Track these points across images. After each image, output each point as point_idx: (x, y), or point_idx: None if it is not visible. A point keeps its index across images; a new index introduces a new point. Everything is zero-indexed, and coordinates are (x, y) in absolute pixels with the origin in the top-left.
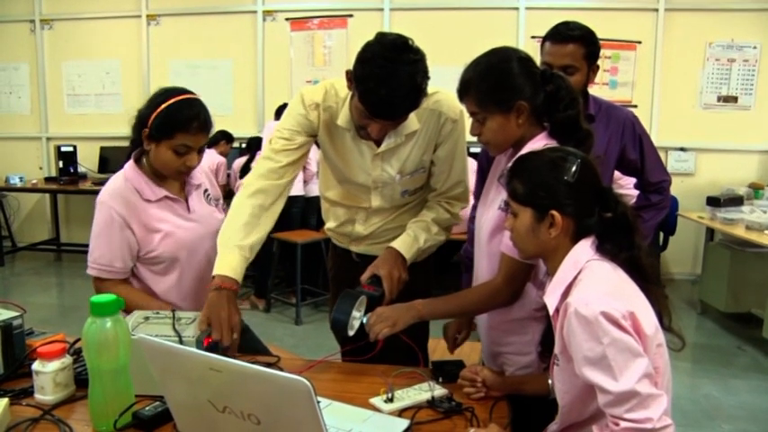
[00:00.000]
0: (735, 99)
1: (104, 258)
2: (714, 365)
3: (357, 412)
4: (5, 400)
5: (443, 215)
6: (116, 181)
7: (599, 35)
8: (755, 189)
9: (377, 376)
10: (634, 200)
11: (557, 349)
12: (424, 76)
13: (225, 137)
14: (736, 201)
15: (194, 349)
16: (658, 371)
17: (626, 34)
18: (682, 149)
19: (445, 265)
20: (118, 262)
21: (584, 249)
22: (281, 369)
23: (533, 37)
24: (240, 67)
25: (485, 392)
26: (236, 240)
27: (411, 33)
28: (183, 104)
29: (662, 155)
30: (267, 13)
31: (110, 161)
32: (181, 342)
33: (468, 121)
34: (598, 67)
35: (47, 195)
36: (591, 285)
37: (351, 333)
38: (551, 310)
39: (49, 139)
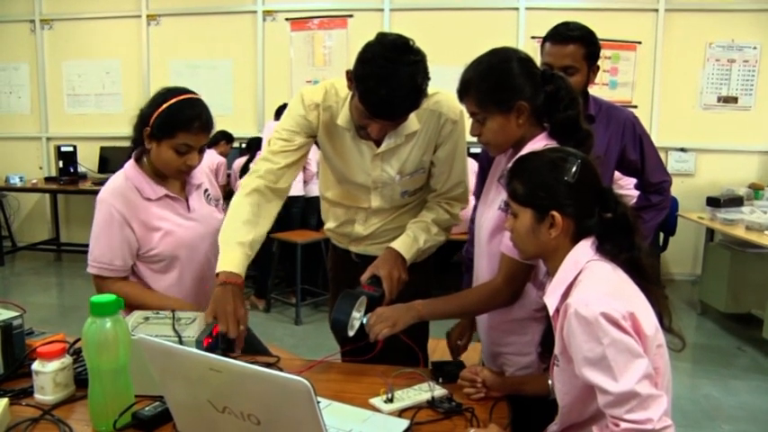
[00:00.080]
0: (735, 99)
1: (104, 256)
2: (714, 366)
3: (357, 412)
4: (5, 400)
5: (443, 216)
6: (116, 179)
7: (599, 35)
8: (755, 189)
9: (377, 376)
10: (634, 200)
11: (557, 350)
12: (425, 76)
13: (225, 137)
14: (736, 201)
15: (194, 349)
16: (658, 371)
17: (626, 35)
18: (682, 150)
19: (445, 265)
20: (118, 260)
21: (585, 250)
22: (281, 369)
23: (533, 37)
24: (240, 67)
25: (485, 393)
26: (237, 238)
27: (411, 34)
28: (184, 104)
29: (662, 155)
30: (267, 13)
31: (110, 161)
32: (181, 342)
33: (468, 122)
34: (598, 67)
35: (47, 195)
36: (591, 286)
37: (351, 333)
38: (551, 311)
39: (49, 138)
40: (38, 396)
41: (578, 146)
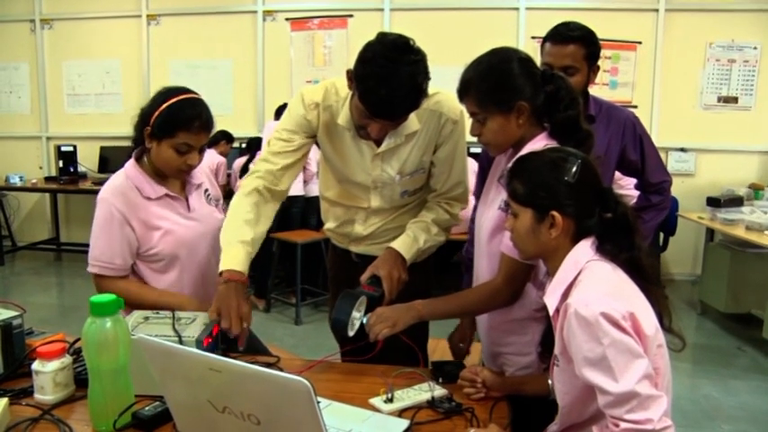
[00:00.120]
0: (735, 99)
1: (104, 255)
2: (714, 366)
3: (357, 412)
4: (5, 400)
5: (443, 216)
6: (117, 179)
7: (599, 35)
8: (755, 190)
9: (377, 376)
10: (634, 200)
11: (557, 350)
12: (425, 76)
13: (225, 137)
14: (736, 201)
15: (194, 349)
16: (658, 371)
17: (626, 35)
18: (682, 150)
19: (445, 265)
20: (118, 259)
21: (585, 250)
22: (281, 369)
23: (533, 37)
24: (240, 67)
25: (485, 393)
26: (238, 237)
27: (411, 33)
28: (185, 103)
29: (662, 155)
30: (267, 13)
31: (110, 161)
32: (181, 342)
33: (468, 122)
34: (598, 67)
35: (47, 195)
36: (591, 286)
37: (351, 333)
38: (551, 311)
39: (49, 138)
40: (38, 396)
41: (578, 146)
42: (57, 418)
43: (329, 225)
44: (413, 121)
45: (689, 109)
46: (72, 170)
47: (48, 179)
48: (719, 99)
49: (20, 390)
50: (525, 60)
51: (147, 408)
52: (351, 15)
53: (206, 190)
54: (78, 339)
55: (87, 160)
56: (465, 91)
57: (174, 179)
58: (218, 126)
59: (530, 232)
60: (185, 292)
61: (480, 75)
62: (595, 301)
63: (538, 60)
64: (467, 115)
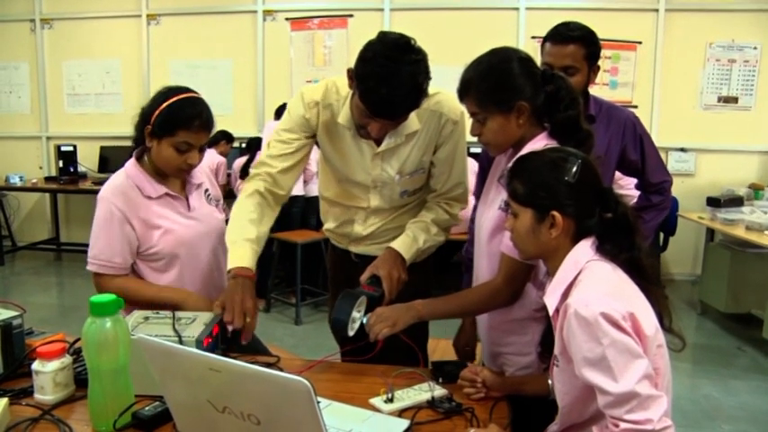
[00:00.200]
0: (735, 100)
1: (104, 254)
2: (714, 366)
3: (357, 412)
4: (5, 400)
5: (443, 216)
6: (117, 178)
7: (599, 35)
8: (755, 190)
9: (377, 376)
10: (635, 200)
11: (556, 350)
12: (426, 76)
13: (225, 137)
14: (736, 201)
15: (194, 349)
16: (659, 371)
17: (626, 34)
18: (682, 150)
19: (445, 265)
20: (117, 257)
21: (584, 250)
22: (281, 369)
23: (533, 37)
24: (240, 67)
25: (485, 393)
26: (244, 235)
27: (411, 33)
28: (185, 102)
29: (662, 155)
30: (267, 12)
31: (110, 161)
32: (181, 342)
33: (468, 122)
34: (599, 67)
35: (47, 195)
36: (591, 286)
37: (351, 333)
38: (551, 311)
39: (49, 138)
40: (38, 396)
41: (579, 146)
42: (57, 418)
43: (329, 225)
44: (413, 121)
45: (689, 109)
46: (72, 170)
47: (48, 179)
48: (720, 99)
49: (20, 390)
50: (525, 60)
51: (147, 408)
52: (351, 15)
53: (206, 190)
54: (78, 339)
55: (87, 160)
56: (465, 91)
57: (175, 178)
58: (218, 126)
59: (530, 232)
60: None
61: (480, 75)
62: (595, 301)
63: (538, 60)
64: (467, 115)
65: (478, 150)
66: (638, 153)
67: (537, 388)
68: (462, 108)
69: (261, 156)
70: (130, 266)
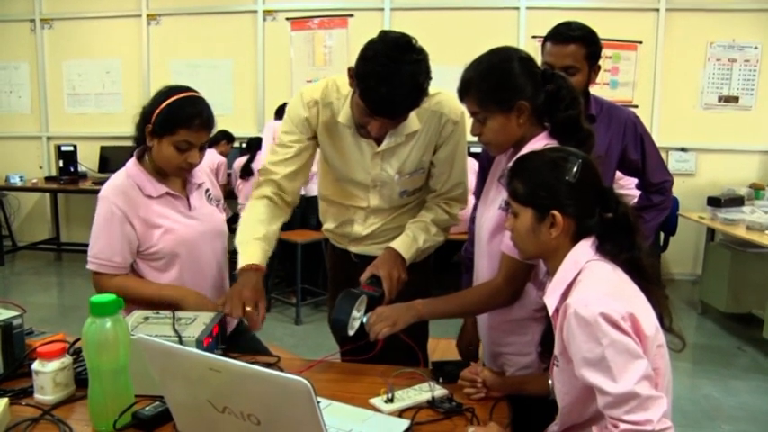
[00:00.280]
0: (736, 99)
1: (104, 253)
2: (714, 366)
3: (357, 412)
4: (5, 400)
5: (442, 216)
6: (118, 177)
7: (600, 35)
8: (756, 189)
9: (377, 376)
10: (635, 200)
11: (556, 350)
12: (427, 75)
13: (225, 137)
14: (736, 201)
15: (194, 349)
16: (659, 371)
17: (627, 34)
18: (682, 150)
19: (445, 265)
20: (117, 257)
21: (584, 250)
22: (281, 369)
23: (534, 37)
24: (240, 67)
25: (485, 393)
26: (252, 235)
27: (411, 33)
28: (185, 101)
29: (663, 155)
30: (267, 12)
31: (110, 161)
32: (181, 342)
33: (468, 123)
34: (599, 67)
35: (47, 195)
36: (590, 286)
37: (351, 333)
38: (551, 311)
39: (49, 138)
40: (38, 396)
41: (579, 146)
42: (57, 418)
43: (328, 225)
44: (413, 121)
45: (689, 109)
46: (72, 170)
47: (48, 179)
48: (720, 99)
49: (20, 390)
50: (526, 60)
51: (147, 408)
52: (351, 15)
53: (207, 190)
54: (78, 339)
55: (87, 160)
56: (465, 91)
57: (175, 178)
58: (219, 126)
59: (530, 232)
60: None
61: (481, 74)
62: (595, 301)
63: (539, 60)
64: (467, 116)
65: (479, 150)
66: (639, 153)
67: (537, 388)
68: (463, 108)
69: (265, 161)
70: (130, 266)
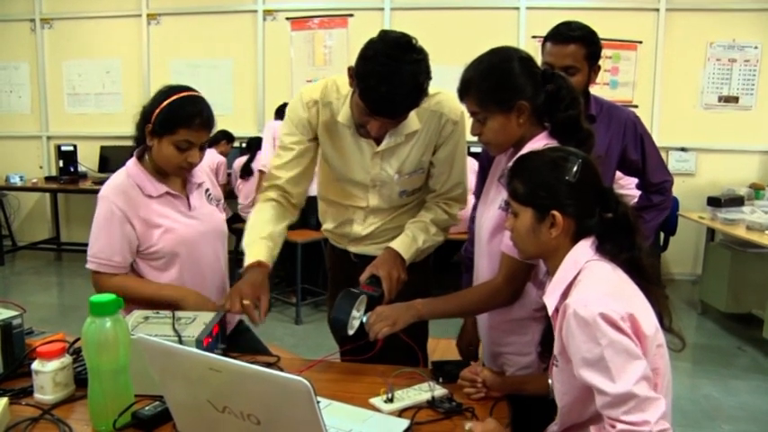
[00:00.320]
0: (736, 99)
1: (104, 252)
2: (714, 366)
3: (357, 412)
4: (5, 400)
5: (442, 216)
6: (118, 177)
7: (600, 35)
8: (756, 189)
9: (377, 376)
10: (635, 200)
11: (556, 350)
12: (427, 75)
13: (225, 136)
14: (736, 201)
15: (194, 349)
16: (658, 371)
17: (627, 34)
18: (682, 150)
19: (445, 264)
20: (117, 256)
21: (584, 250)
22: (281, 369)
23: (534, 37)
24: (240, 67)
25: (485, 393)
26: (258, 234)
27: (412, 33)
28: (186, 101)
29: (663, 155)
30: (267, 12)
31: (110, 160)
32: (180, 342)
33: (468, 123)
34: (599, 67)
35: (47, 194)
36: (590, 286)
37: (351, 332)
38: (550, 311)
39: (49, 138)
40: (37, 396)
41: (579, 145)
42: (56, 417)
43: (327, 226)
44: (413, 121)
45: (689, 108)
46: (72, 170)
47: (48, 179)
48: (720, 99)
49: (20, 389)
50: (526, 60)
51: (146, 407)
52: (351, 15)
53: (207, 189)
54: (78, 339)
55: (87, 160)
56: (465, 90)
57: (176, 177)
58: (219, 126)
59: (530, 232)
60: None
61: (481, 74)
62: (594, 301)
63: (539, 60)
64: (467, 116)
65: (479, 150)
66: (639, 153)
67: (537, 388)
68: (462, 108)
69: (269, 165)
70: (130, 265)
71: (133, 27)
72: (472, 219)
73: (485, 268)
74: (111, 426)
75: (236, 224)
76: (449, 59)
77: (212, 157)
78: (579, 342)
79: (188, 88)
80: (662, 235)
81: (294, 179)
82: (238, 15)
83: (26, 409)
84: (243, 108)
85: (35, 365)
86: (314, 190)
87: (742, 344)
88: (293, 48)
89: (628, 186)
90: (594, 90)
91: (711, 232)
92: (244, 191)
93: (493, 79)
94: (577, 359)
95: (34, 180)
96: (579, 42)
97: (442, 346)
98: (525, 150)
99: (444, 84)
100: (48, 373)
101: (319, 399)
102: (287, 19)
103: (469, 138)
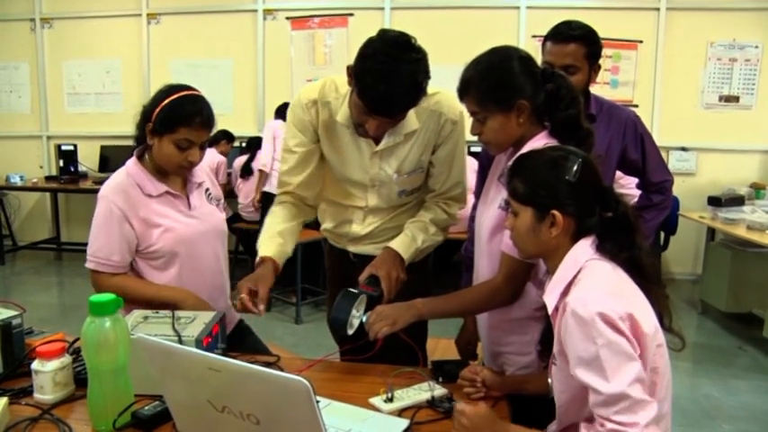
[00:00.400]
0: (736, 99)
1: (102, 252)
2: (715, 365)
3: (357, 412)
4: (5, 400)
5: (441, 216)
6: (118, 176)
7: (600, 34)
8: (757, 189)
9: (377, 376)
10: (635, 200)
11: (555, 349)
12: (425, 75)
13: (225, 136)
14: (737, 201)
15: (193, 349)
16: (658, 371)
17: (627, 33)
18: (683, 149)
19: (445, 264)
20: (116, 255)
21: (584, 249)
22: (281, 368)
23: (534, 36)
24: (240, 67)
25: (485, 392)
26: (268, 234)
27: (412, 32)
28: (186, 100)
29: (663, 155)
30: (267, 11)
31: (110, 160)
32: (180, 341)
33: (468, 122)
34: (599, 66)
35: (47, 194)
36: (590, 285)
37: (350, 332)
38: (550, 309)
39: (49, 137)
40: (37, 395)
41: (579, 145)
42: (56, 417)
43: (326, 225)
44: (412, 121)
45: (690, 108)
46: (72, 169)
47: (48, 178)
48: (721, 98)
49: (19, 389)
50: (525, 59)
51: (146, 407)
52: (351, 14)
53: (207, 189)
54: (78, 339)
55: (88, 159)
56: (465, 90)
57: (176, 176)
58: (219, 125)
59: (530, 231)
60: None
61: (480, 74)
62: (594, 300)
63: (539, 60)
64: (467, 115)
65: (479, 149)
66: (639, 152)
67: (537, 387)
68: (462, 108)
69: (279, 171)
70: (129, 265)
71: (133, 27)
72: (472, 218)
73: (485, 268)
74: (111, 425)
75: (236, 224)
76: (449, 59)
77: (212, 156)
78: (576, 340)
79: (188, 87)
80: (662, 234)
81: (304, 183)
82: (238, 15)
83: (26, 409)
84: (243, 108)
85: (35, 365)
86: None
87: (742, 343)
88: (293, 47)
89: (628, 186)
90: (595, 89)
91: (712, 232)
92: (244, 190)
93: (492, 79)
94: (573, 358)
95: (34, 180)
96: (579, 41)
97: (441, 346)
98: (525, 150)
99: (445, 83)
100: (47, 373)
101: (319, 398)
102: (287, 18)
103: (469, 137)
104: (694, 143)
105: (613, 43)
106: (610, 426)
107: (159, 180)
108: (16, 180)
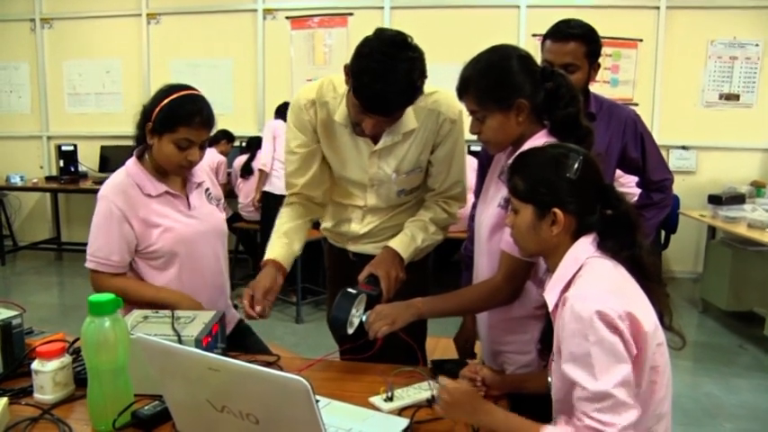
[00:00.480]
0: (737, 97)
1: (102, 252)
2: (715, 364)
3: (356, 411)
4: (5, 400)
5: (441, 215)
6: (118, 176)
7: (600, 33)
8: (757, 187)
9: (376, 375)
10: (635, 198)
11: (555, 346)
12: (422, 74)
13: (225, 136)
14: (737, 199)
15: (193, 349)
16: (658, 369)
17: (627, 32)
18: (683, 148)
19: (445, 263)
20: (115, 255)
21: (585, 246)
22: (281, 368)
23: (534, 35)
24: (240, 66)
25: (485, 391)
26: (275, 235)
27: (411, 31)
28: (186, 99)
29: (663, 153)
30: (267, 11)
31: (110, 160)
32: (180, 341)
33: (467, 121)
34: (599, 65)
35: (47, 194)
36: (591, 282)
37: (350, 331)
38: (551, 307)
39: (49, 138)
40: (37, 395)
41: (578, 143)
42: (56, 417)
43: (326, 224)
44: (410, 120)
45: (690, 106)
46: (73, 170)
47: (48, 179)
48: (721, 96)
49: (19, 389)
50: (525, 58)
51: (146, 407)
52: (351, 14)
53: (207, 189)
54: (78, 339)
55: (88, 160)
56: (464, 89)
57: (176, 176)
58: (219, 125)
59: (530, 229)
60: (184, 289)
61: (479, 72)
62: (593, 298)
63: (539, 59)
64: (466, 114)
65: (479, 148)
66: (639, 151)
67: (537, 386)
68: (461, 107)
69: (285, 172)
70: (128, 265)
71: (133, 27)
72: (472, 217)
73: (484, 267)
74: (111, 425)
75: (236, 224)
76: (449, 58)
77: (212, 156)
78: (570, 335)
79: (188, 87)
80: (663, 233)
81: (309, 183)
82: (238, 15)
83: (26, 409)
84: (243, 107)
85: (35, 365)
86: None
87: (743, 342)
88: (293, 47)
89: (628, 184)
90: (595, 88)
91: (712, 230)
92: (244, 190)
93: (492, 77)
94: (565, 353)
95: (35, 180)
96: (579, 40)
97: (441, 345)
98: (525, 148)
99: (444, 82)
100: (47, 373)
101: (319, 398)
102: (287, 18)
103: (469, 136)
104: (695, 141)
105: (613, 42)
106: (588, 422)
107: (159, 180)
108: (16, 180)
